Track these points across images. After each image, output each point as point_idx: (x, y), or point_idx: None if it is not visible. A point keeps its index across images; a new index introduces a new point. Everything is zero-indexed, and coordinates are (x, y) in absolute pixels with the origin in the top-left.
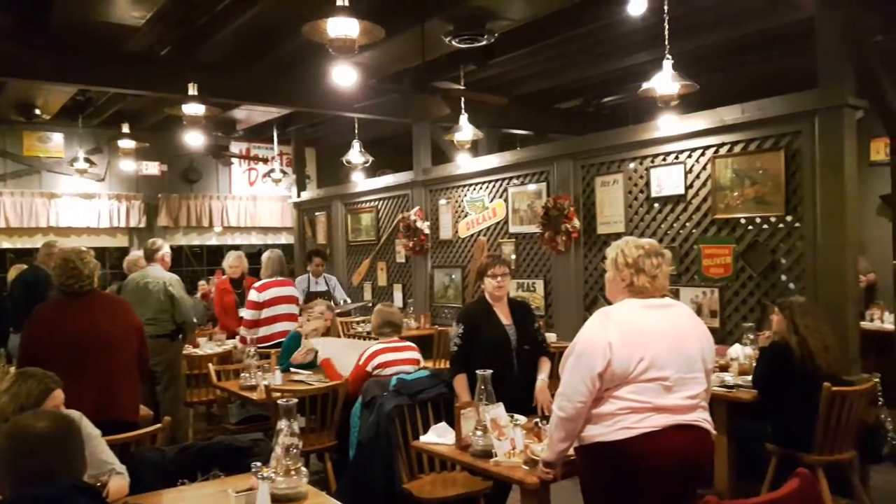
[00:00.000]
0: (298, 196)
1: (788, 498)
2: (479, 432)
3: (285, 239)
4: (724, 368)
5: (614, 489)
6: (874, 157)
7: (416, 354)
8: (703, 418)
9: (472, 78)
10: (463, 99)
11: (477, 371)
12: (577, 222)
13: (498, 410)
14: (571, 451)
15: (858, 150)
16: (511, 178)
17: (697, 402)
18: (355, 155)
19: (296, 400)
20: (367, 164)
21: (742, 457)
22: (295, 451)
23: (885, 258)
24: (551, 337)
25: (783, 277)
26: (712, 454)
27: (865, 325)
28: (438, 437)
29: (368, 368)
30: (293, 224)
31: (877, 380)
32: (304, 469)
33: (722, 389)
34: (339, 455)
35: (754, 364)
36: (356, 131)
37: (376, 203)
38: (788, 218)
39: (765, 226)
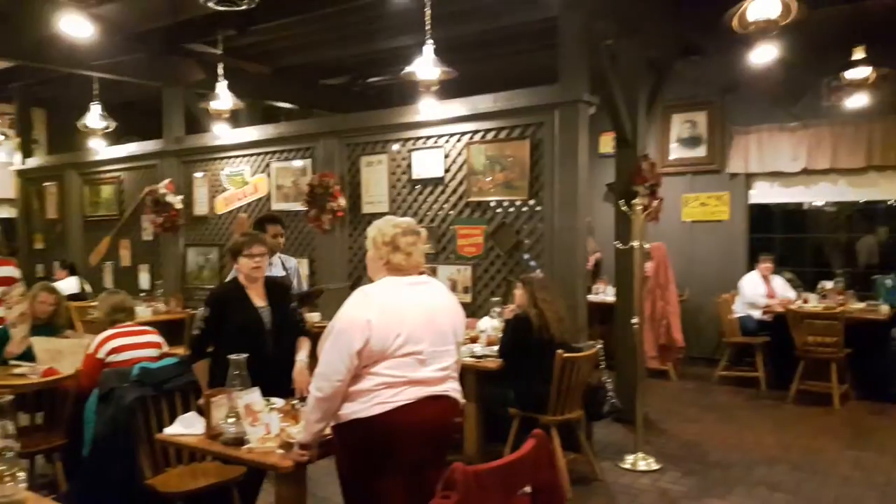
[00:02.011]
0: (23, 163)
1: (525, 457)
2: (231, 419)
3: (7, 212)
4: (473, 340)
5: (369, 462)
6: (602, 150)
7: (156, 338)
8: (452, 388)
9: (231, 44)
10: (221, 65)
11: (230, 356)
12: (342, 201)
13: (252, 396)
14: (328, 431)
15: (590, 143)
16: (274, 153)
17: (448, 373)
18: (94, 119)
19: (10, 396)
20: (109, 130)
21: (490, 421)
22: (10, 454)
23: (609, 239)
24: (315, 317)
25: (526, 256)
26: (461, 422)
27: (592, 298)
28: (186, 427)
29: (100, 356)
30: (16, 195)
31: (600, 346)
32: (21, 474)
33: (471, 360)
34: (71, 454)
35: (500, 335)
36: (96, 92)
37: (120, 173)
38: (531, 202)
39: (511, 209)
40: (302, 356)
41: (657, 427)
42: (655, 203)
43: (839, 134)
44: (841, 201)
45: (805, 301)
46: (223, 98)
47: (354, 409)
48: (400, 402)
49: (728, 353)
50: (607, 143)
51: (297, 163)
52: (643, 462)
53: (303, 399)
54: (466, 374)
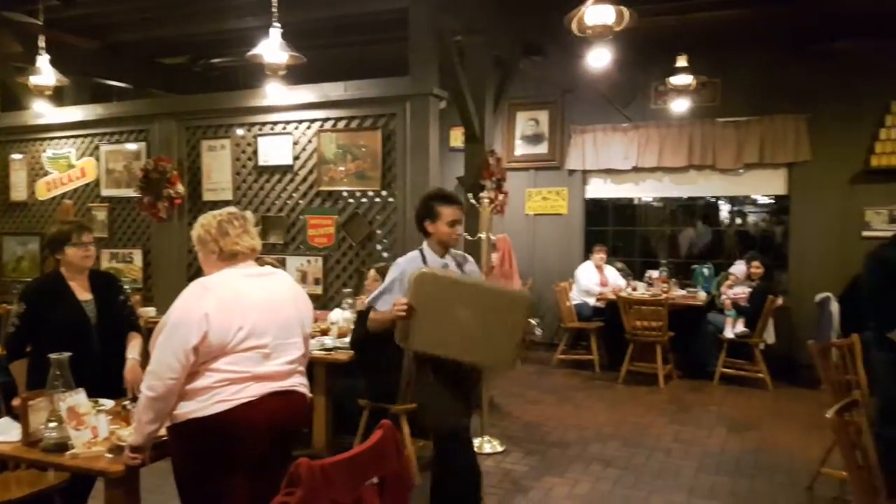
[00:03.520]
0: None
1: (372, 449)
2: (52, 424)
3: None
4: (324, 332)
5: (209, 463)
6: (453, 144)
7: None
8: (299, 382)
9: (55, 14)
10: (42, 37)
11: (50, 355)
12: (180, 187)
13: (77, 398)
14: (163, 432)
15: (441, 136)
16: (104, 135)
17: (295, 367)
18: None
19: None
20: None
21: (339, 413)
22: None
23: (469, 231)
24: (150, 311)
25: (378, 247)
26: (307, 416)
27: None
28: None
29: None
30: None
31: None
32: None
33: (321, 352)
34: None
35: (352, 327)
36: None
37: None
38: (384, 193)
39: (364, 199)
40: (133, 353)
41: (502, 410)
42: (501, 196)
43: (665, 135)
44: (666, 197)
45: (634, 289)
46: (45, 73)
47: (192, 408)
48: (242, 399)
49: (566, 338)
50: (457, 138)
51: (131, 146)
52: (488, 444)
53: (134, 399)
54: (316, 366)
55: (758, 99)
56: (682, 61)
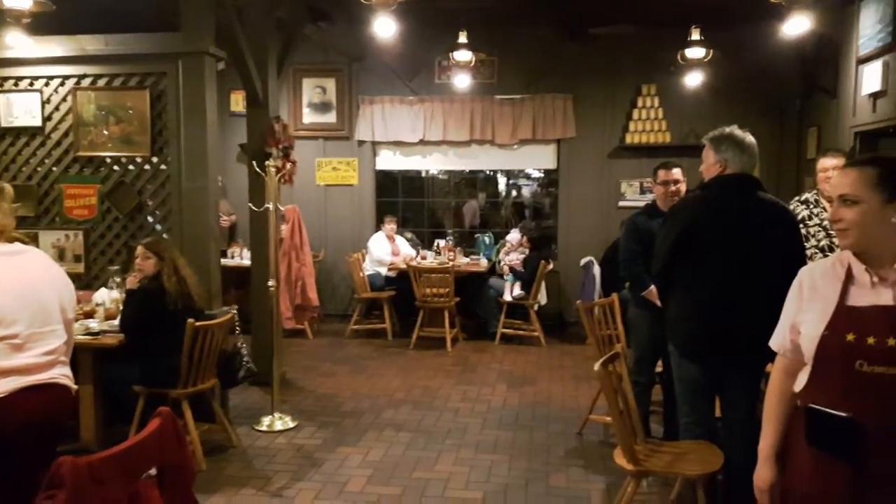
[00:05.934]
0: None
1: (148, 439)
2: None
3: None
4: (88, 315)
5: None
6: (234, 108)
7: None
8: (61, 374)
9: None
10: None
11: None
12: None
13: None
14: None
15: (221, 100)
16: None
17: (56, 357)
18: None
19: None
20: None
21: (111, 402)
22: None
23: (244, 201)
24: None
25: (150, 218)
26: (72, 410)
27: (227, 262)
28: None
29: None
30: None
31: (235, 311)
32: None
33: (87, 337)
34: None
35: (121, 307)
36: None
37: None
38: (155, 159)
39: (131, 166)
40: None
41: (294, 386)
42: (290, 166)
43: (448, 110)
44: (451, 170)
45: (423, 258)
46: None
47: None
48: None
49: (359, 308)
50: (239, 102)
51: None
52: (280, 422)
53: None
54: (80, 353)
55: (531, 78)
56: (462, 37)
